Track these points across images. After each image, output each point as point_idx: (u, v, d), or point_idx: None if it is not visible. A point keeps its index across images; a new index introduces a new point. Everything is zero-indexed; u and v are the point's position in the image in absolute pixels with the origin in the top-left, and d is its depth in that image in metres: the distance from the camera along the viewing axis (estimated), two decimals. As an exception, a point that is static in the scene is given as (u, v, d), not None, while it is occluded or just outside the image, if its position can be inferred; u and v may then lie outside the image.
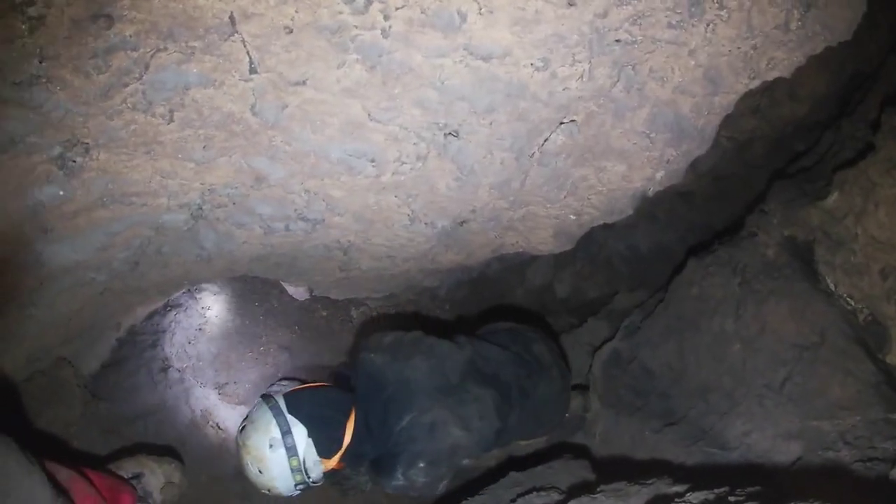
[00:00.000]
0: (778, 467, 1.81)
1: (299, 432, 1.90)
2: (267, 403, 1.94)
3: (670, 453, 2.09)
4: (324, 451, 1.94)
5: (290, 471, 1.90)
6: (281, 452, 1.88)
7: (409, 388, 1.96)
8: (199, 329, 3.00)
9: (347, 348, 3.16)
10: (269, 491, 1.97)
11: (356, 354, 2.19)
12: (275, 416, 1.90)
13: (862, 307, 1.92)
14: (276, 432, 1.88)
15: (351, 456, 2.01)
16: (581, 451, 2.35)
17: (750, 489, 1.42)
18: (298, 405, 1.94)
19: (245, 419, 1.98)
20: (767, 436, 1.89)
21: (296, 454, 1.89)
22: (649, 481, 1.67)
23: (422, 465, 1.88)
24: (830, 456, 1.72)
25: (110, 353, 2.59)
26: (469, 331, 2.34)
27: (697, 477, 1.85)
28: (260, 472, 1.91)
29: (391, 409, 1.94)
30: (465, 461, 2.06)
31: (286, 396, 1.97)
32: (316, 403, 1.99)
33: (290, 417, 1.90)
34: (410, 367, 2.00)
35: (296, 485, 1.95)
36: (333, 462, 1.99)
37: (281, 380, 2.18)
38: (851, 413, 1.78)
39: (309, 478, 1.95)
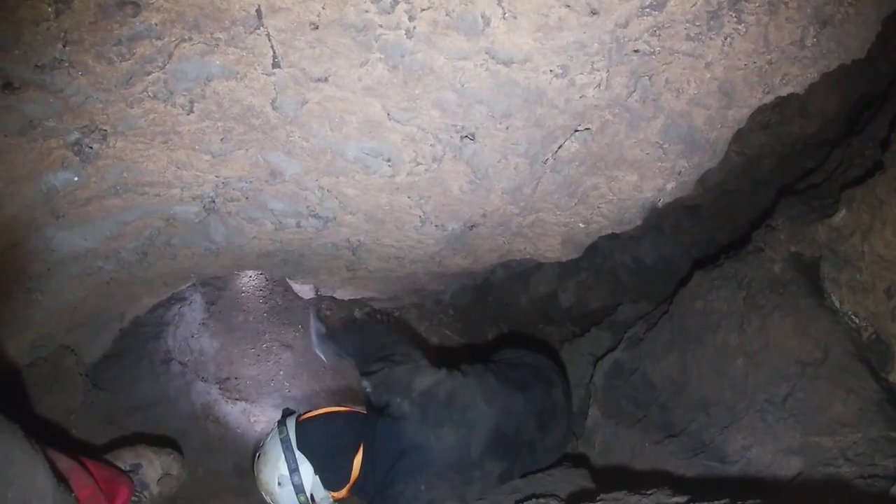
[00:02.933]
0: (778, 482, 1.81)
1: (306, 470, 1.99)
2: (280, 435, 2.03)
3: (670, 465, 2.09)
4: (331, 486, 2.03)
5: None
6: (289, 489, 1.98)
7: (426, 457, 1.94)
8: (203, 323, 3.00)
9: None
10: None
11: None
12: (284, 452, 1.99)
13: (866, 325, 1.93)
14: (284, 470, 1.98)
15: (358, 489, 2.06)
16: (580, 461, 2.35)
17: (750, 502, 1.43)
18: (307, 439, 2.02)
19: (260, 447, 2.09)
20: (768, 450, 1.89)
21: (303, 491, 1.98)
22: (649, 492, 1.67)
23: None
24: (831, 472, 1.72)
25: (113, 343, 2.59)
26: (494, 351, 2.34)
27: (697, 489, 1.85)
28: (272, 503, 2.04)
29: (402, 467, 1.94)
30: None
31: (298, 426, 2.04)
32: (325, 438, 2.05)
33: (298, 454, 1.99)
34: (436, 436, 1.94)
35: None
36: (342, 493, 2.07)
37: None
38: (853, 430, 1.78)
39: None
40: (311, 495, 2.00)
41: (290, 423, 2.05)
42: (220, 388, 2.92)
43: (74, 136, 1.49)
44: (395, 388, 2.02)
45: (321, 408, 2.17)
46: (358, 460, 2.01)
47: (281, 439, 2.01)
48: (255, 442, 2.64)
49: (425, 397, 1.99)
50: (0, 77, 1.31)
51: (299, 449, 1.99)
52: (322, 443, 2.03)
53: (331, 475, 2.01)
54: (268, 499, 2.05)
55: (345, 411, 2.16)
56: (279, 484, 1.99)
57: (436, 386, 2.02)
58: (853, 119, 2.64)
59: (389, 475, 1.94)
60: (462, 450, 1.96)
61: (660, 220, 2.98)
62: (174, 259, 2.07)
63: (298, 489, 1.97)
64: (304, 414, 2.12)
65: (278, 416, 2.26)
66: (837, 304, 2.01)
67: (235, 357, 3.04)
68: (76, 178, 1.60)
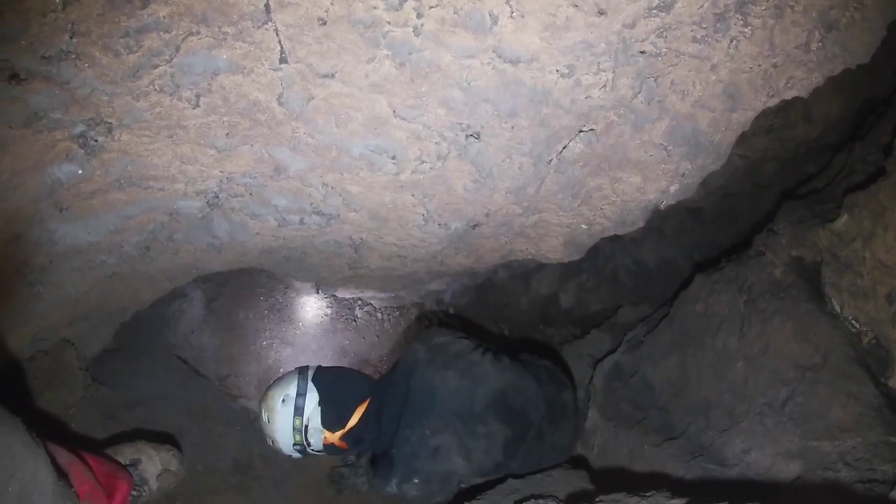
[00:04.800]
0: (777, 485, 1.81)
1: (311, 398, 2.09)
2: (299, 369, 2.17)
3: (669, 467, 2.09)
4: (327, 424, 2.11)
5: (291, 429, 2.09)
6: (289, 409, 2.08)
7: (431, 401, 2.05)
8: (203, 320, 3.00)
9: (350, 347, 3.17)
10: (272, 442, 2.18)
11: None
12: (298, 378, 2.12)
13: (867, 330, 1.93)
14: (291, 391, 2.10)
15: (353, 438, 2.14)
16: (579, 462, 2.35)
17: (749, 505, 1.43)
18: (322, 377, 2.14)
19: (278, 376, 2.21)
20: (767, 454, 1.89)
21: (301, 415, 2.08)
22: (648, 494, 1.67)
23: (416, 481, 1.99)
24: (830, 476, 1.72)
25: (113, 337, 2.59)
26: (513, 351, 2.39)
27: (696, 492, 1.85)
28: (268, 420, 2.14)
29: (407, 412, 2.05)
30: (460, 484, 2.12)
31: (318, 367, 2.18)
32: (338, 380, 2.17)
33: (310, 384, 2.11)
34: (441, 378, 2.08)
35: (294, 444, 2.13)
36: (335, 438, 2.14)
37: None
38: (852, 435, 1.78)
39: (308, 444, 2.12)
40: (307, 425, 2.08)
41: (312, 365, 2.19)
42: (219, 385, 2.92)
43: (80, 128, 1.49)
44: (421, 336, 2.26)
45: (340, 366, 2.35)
46: (360, 410, 2.12)
47: (299, 371, 2.15)
48: (254, 439, 2.64)
49: (439, 347, 2.18)
50: (6, 68, 1.31)
51: (313, 380, 2.12)
52: (335, 382, 2.15)
53: (332, 412, 2.10)
54: (265, 416, 2.12)
55: (362, 373, 2.34)
56: (282, 401, 2.09)
57: (451, 342, 2.20)
58: (856, 124, 2.64)
59: (395, 422, 2.04)
60: (465, 398, 2.06)
61: (662, 222, 2.98)
62: (177, 254, 2.07)
63: (298, 411, 2.07)
64: (324, 365, 2.26)
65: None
66: (838, 308, 2.01)
67: (235, 354, 3.05)
68: (80, 171, 1.60)
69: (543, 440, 2.17)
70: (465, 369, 2.11)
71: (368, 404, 2.13)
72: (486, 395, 2.08)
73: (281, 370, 3.02)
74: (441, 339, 2.20)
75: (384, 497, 2.41)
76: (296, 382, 2.11)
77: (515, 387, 2.15)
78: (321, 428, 2.10)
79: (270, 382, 2.21)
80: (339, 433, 2.12)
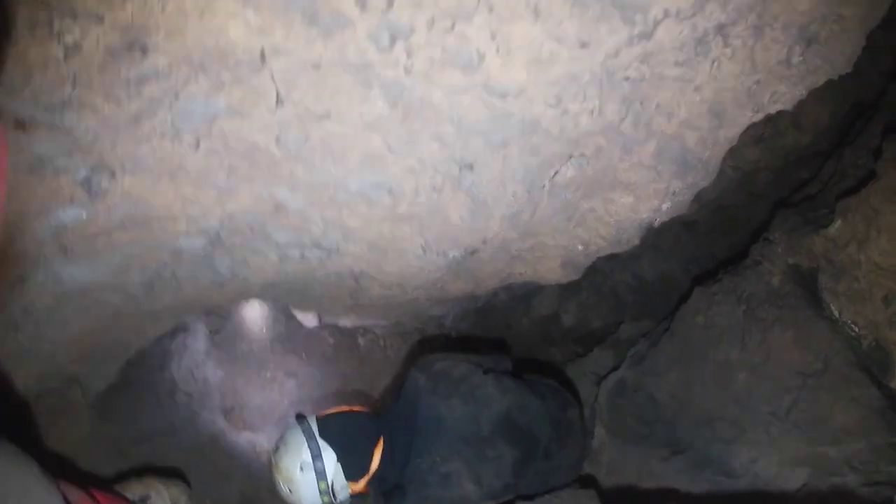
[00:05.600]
0: (785, 493, 1.82)
1: (329, 457, 1.99)
2: (300, 426, 2.04)
3: (677, 482, 2.10)
4: (351, 476, 2.04)
5: (318, 493, 1.99)
6: (311, 476, 1.98)
7: (438, 429, 2.03)
8: (207, 353, 3.01)
9: (353, 375, 3.17)
10: None
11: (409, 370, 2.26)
12: (307, 440, 2.00)
13: (866, 334, 1.95)
14: (307, 456, 1.98)
15: (378, 480, 2.09)
16: (587, 481, 2.35)
17: (758, 515, 1.44)
18: (329, 429, 2.04)
19: (279, 440, 2.08)
20: (774, 462, 1.91)
21: (325, 478, 1.98)
22: (657, 509, 1.68)
23: None
24: (836, 481, 1.74)
25: (118, 374, 2.60)
26: (516, 370, 2.39)
27: (705, 505, 1.86)
28: (290, 491, 2.02)
29: (416, 444, 2.02)
30: None
31: (318, 419, 2.06)
32: (346, 428, 2.08)
33: (321, 442, 2.00)
34: (447, 406, 2.06)
35: None
36: (361, 486, 2.08)
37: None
38: (857, 438, 1.80)
39: (336, 499, 2.03)
40: (332, 484, 2.00)
41: (311, 417, 2.09)
42: (225, 418, 2.92)
43: (83, 173, 1.52)
44: (418, 364, 2.20)
45: (337, 407, 2.20)
46: (378, 452, 2.06)
47: (302, 429, 2.03)
48: (261, 472, 2.64)
49: (439, 374, 2.14)
50: (11, 117, 1.34)
51: (321, 437, 2.02)
52: (344, 431, 2.06)
53: (353, 463, 2.03)
54: (285, 488, 2.02)
55: (362, 410, 2.22)
56: (301, 469, 1.98)
57: (451, 368, 2.17)
58: (845, 129, 2.67)
59: (406, 453, 2.01)
60: (471, 423, 2.04)
61: (657, 238, 3.01)
62: (180, 291, 2.09)
63: (321, 475, 1.98)
64: (322, 412, 2.16)
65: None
66: (836, 313, 2.04)
67: (240, 386, 3.04)
68: (85, 215, 1.62)
69: (551, 459, 2.16)
70: (468, 394, 2.10)
71: (383, 443, 2.08)
72: (492, 418, 2.07)
73: (286, 401, 3.02)
74: (441, 366, 2.18)
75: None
76: (306, 444, 2.00)
77: (520, 406, 2.14)
78: (346, 483, 2.05)
79: (275, 446, 2.10)
80: (363, 480, 2.08)
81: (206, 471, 2.56)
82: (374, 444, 2.07)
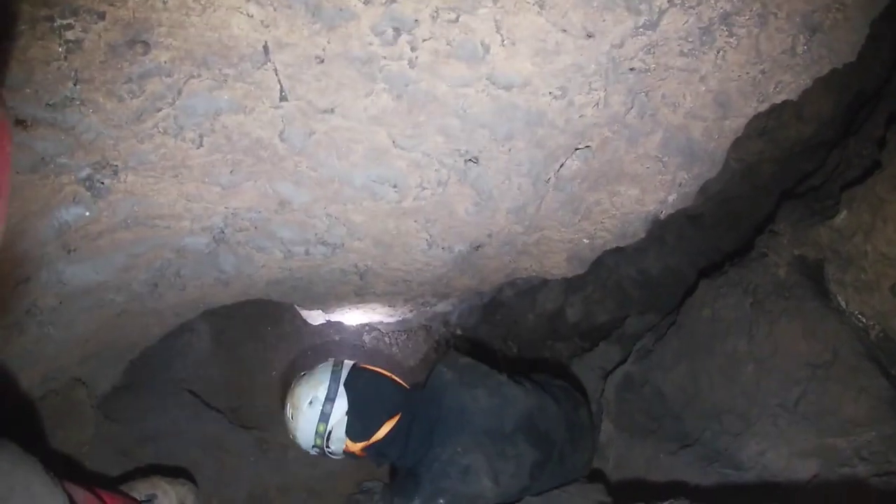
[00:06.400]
0: (795, 485, 1.81)
1: (340, 405, 2.00)
2: (332, 365, 2.07)
3: (686, 475, 2.09)
4: (353, 434, 2.02)
5: (314, 433, 2.00)
6: (315, 412, 1.99)
7: (461, 419, 2.02)
8: (212, 352, 3.00)
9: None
10: (291, 436, 2.09)
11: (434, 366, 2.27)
12: (330, 380, 2.02)
13: (873, 324, 1.94)
14: (321, 394, 2.00)
15: (375, 451, 2.07)
16: (596, 475, 2.35)
17: (768, 507, 1.43)
18: (355, 383, 2.04)
19: (310, 368, 2.11)
20: (783, 455, 1.90)
21: (326, 422, 1.99)
22: (666, 503, 1.67)
23: (441, 501, 1.92)
24: (847, 472, 1.73)
25: (123, 374, 2.60)
26: (526, 371, 2.40)
27: (714, 498, 1.85)
28: (291, 417, 2.05)
29: (437, 431, 2.01)
30: None
31: (353, 369, 2.09)
32: (371, 389, 2.07)
33: (341, 388, 2.01)
34: (472, 396, 2.06)
35: (313, 446, 2.04)
36: (357, 448, 2.06)
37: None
38: (866, 429, 1.79)
39: (328, 447, 2.03)
40: (330, 431, 1.99)
41: (347, 363, 2.11)
42: (231, 417, 2.91)
43: (86, 171, 1.51)
44: (444, 360, 2.21)
45: (379, 368, 2.21)
46: (389, 425, 2.04)
47: (333, 369, 2.05)
48: (269, 470, 2.63)
49: (466, 367, 2.18)
50: (12, 115, 1.33)
51: (345, 385, 2.02)
52: (367, 391, 2.06)
53: (359, 424, 2.01)
54: (289, 412, 2.04)
55: (395, 379, 2.21)
56: (309, 403, 1.99)
57: (478, 364, 2.20)
58: (849, 119, 2.66)
59: (424, 441, 1.99)
60: (495, 418, 2.04)
61: (663, 231, 3.00)
62: (184, 289, 2.08)
63: (324, 417, 1.98)
64: (361, 364, 2.17)
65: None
66: (843, 304, 2.02)
67: (246, 385, 3.04)
68: (88, 213, 1.62)
69: (565, 462, 2.16)
70: (494, 388, 2.10)
71: (399, 420, 2.05)
72: (516, 416, 2.07)
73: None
74: (467, 360, 2.21)
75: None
76: (327, 383, 2.01)
77: (540, 408, 2.15)
78: (344, 437, 2.02)
79: (302, 372, 2.12)
80: (361, 444, 2.04)
81: (214, 470, 2.56)
82: (389, 418, 2.05)
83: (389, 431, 2.04)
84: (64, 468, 1.90)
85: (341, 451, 2.06)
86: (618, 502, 2.00)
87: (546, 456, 2.09)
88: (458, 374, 2.13)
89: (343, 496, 2.60)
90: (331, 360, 2.12)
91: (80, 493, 1.59)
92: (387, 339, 3.35)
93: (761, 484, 1.89)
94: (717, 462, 2.05)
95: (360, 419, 2.02)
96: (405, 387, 2.19)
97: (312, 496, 2.64)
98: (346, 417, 2.00)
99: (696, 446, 2.16)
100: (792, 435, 1.92)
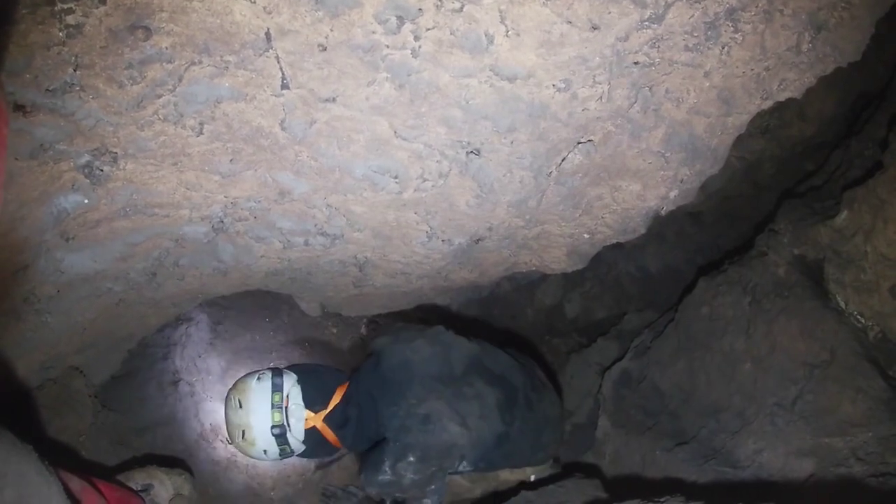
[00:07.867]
0: (791, 484, 1.81)
1: (289, 378, 1.96)
2: (267, 368, 2.05)
3: (682, 472, 2.09)
4: (308, 402, 1.94)
5: (270, 405, 1.88)
6: (266, 385, 1.91)
7: (408, 372, 1.94)
8: (210, 343, 3.00)
9: (356, 364, 3.16)
10: (241, 435, 1.91)
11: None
12: (271, 369, 2.00)
13: (872, 325, 1.94)
14: (267, 373, 1.96)
15: (337, 418, 1.97)
16: (592, 471, 2.35)
17: (763, 506, 1.43)
18: (296, 365, 2.08)
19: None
20: (779, 454, 1.90)
21: (280, 391, 1.90)
22: (662, 499, 1.67)
23: (411, 458, 1.80)
24: (843, 472, 1.72)
25: (121, 363, 2.59)
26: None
27: (710, 495, 1.85)
28: (239, 405, 1.90)
29: (386, 389, 1.91)
30: (463, 466, 1.95)
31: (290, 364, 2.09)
32: (312, 367, 2.11)
33: (285, 371, 2.00)
34: (412, 349, 2.02)
35: (272, 426, 1.88)
36: (318, 420, 1.96)
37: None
38: (863, 429, 1.79)
39: (289, 426, 1.90)
40: (287, 401, 1.90)
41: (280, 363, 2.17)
42: (228, 408, 2.91)
43: (85, 158, 1.51)
44: (383, 330, 2.23)
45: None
46: (341, 391, 2.01)
47: (270, 365, 2.12)
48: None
49: (399, 328, 2.18)
50: (11, 101, 1.32)
51: (286, 368, 2.03)
52: (309, 367, 2.09)
53: (312, 391, 1.96)
54: (235, 401, 1.90)
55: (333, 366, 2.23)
56: (258, 379, 1.93)
57: (413, 325, 2.21)
58: (851, 120, 2.66)
59: (380, 404, 1.90)
60: (443, 362, 2.00)
61: (663, 227, 3.00)
62: (183, 279, 2.08)
63: (276, 387, 1.90)
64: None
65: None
66: (843, 304, 2.03)
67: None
68: (86, 201, 1.61)
69: (534, 409, 2.08)
70: (433, 337, 2.07)
71: (348, 387, 2.02)
72: (463, 359, 2.02)
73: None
74: (400, 324, 2.25)
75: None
76: (269, 371, 1.98)
77: (488, 353, 2.11)
78: (302, 405, 1.92)
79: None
80: (322, 413, 1.95)
81: (210, 461, 2.56)
82: (339, 383, 2.04)
83: (344, 395, 1.99)
84: (60, 457, 1.90)
85: (303, 427, 1.93)
86: (614, 498, 2.00)
87: (510, 397, 2.01)
88: (394, 336, 2.10)
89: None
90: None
91: (76, 483, 1.59)
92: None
93: (757, 482, 1.89)
94: (713, 460, 2.05)
95: (312, 386, 1.97)
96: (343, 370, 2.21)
97: (308, 486, 2.64)
98: (298, 386, 1.94)
99: (693, 443, 2.16)
100: (789, 434, 1.92)
